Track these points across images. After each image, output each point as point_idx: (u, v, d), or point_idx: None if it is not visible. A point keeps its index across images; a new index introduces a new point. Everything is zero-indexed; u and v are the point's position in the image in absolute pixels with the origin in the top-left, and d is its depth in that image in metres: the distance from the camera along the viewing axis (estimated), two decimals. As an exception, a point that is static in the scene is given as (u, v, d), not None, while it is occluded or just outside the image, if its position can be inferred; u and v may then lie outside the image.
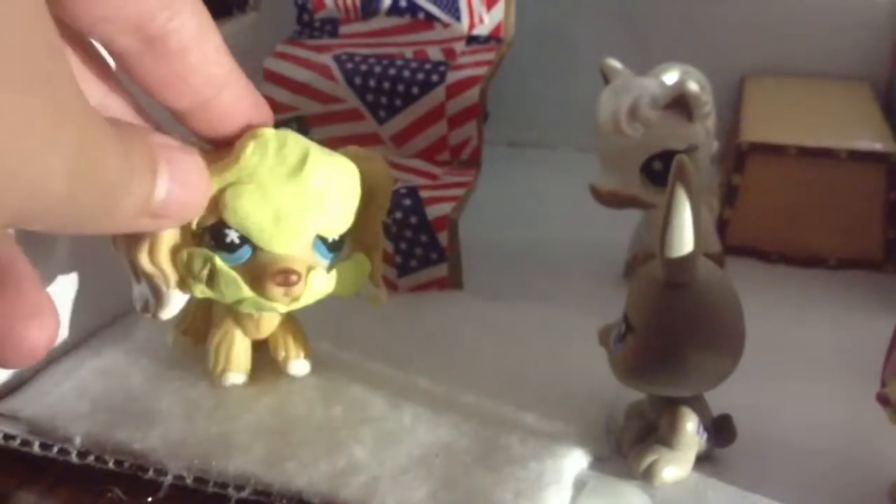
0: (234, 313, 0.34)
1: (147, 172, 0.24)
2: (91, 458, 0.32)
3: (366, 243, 0.33)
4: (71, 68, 0.19)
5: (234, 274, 0.30)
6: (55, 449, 0.33)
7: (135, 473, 0.32)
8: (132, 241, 0.30)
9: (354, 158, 0.31)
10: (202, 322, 0.36)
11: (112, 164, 0.21)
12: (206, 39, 0.26)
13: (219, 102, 0.27)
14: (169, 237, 0.29)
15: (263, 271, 0.30)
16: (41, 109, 0.18)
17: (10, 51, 0.17)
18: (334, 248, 0.31)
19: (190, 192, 0.26)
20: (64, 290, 0.38)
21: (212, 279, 0.30)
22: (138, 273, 0.30)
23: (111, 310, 0.41)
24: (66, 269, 0.37)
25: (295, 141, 0.29)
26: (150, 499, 0.31)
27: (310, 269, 0.30)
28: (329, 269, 0.31)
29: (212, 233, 0.30)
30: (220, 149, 0.29)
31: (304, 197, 0.29)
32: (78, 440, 0.33)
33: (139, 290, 0.31)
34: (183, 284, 0.30)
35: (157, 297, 0.30)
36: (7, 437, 0.33)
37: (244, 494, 0.31)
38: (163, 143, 0.25)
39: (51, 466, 0.33)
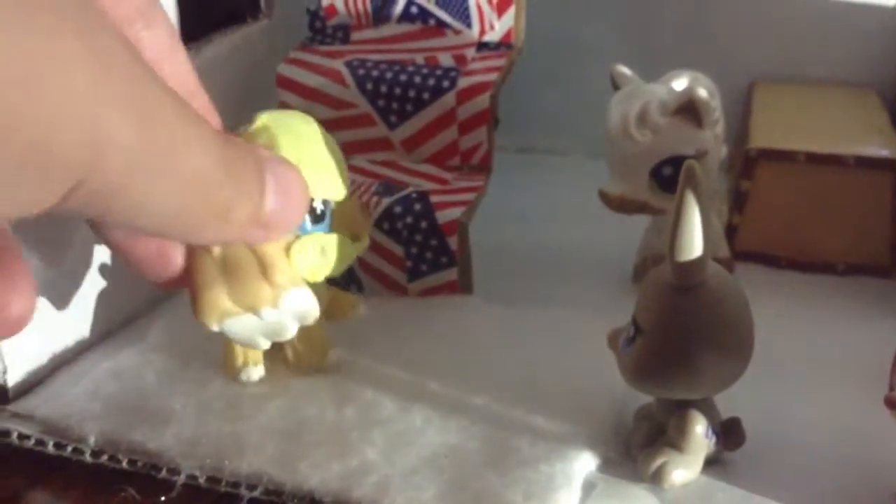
0: None
1: (255, 181, 0.25)
2: (105, 458, 0.33)
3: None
4: (130, 47, 0.20)
5: (335, 235, 0.33)
6: (69, 448, 0.33)
7: (148, 473, 0.32)
8: (253, 284, 0.30)
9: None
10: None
11: (210, 152, 0.22)
12: (177, 53, 0.27)
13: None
14: (280, 247, 0.30)
15: (351, 213, 0.34)
16: (92, 74, 0.18)
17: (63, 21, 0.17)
18: None
19: (295, 202, 0.26)
20: (78, 292, 0.38)
21: (324, 252, 0.32)
22: (273, 300, 0.30)
23: (125, 312, 0.41)
24: (81, 273, 0.38)
25: (279, 112, 0.33)
26: (163, 498, 0.32)
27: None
28: None
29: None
30: None
31: (329, 144, 0.33)
32: (92, 440, 0.33)
33: (265, 325, 0.31)
34: (308, 276, 0.31)
35: (302, 304, 0.31)
36: (22, 436, 0.34)
37: (256, 494, 0.31)
38: (266, 156, 0.26)
39: (64, 466, 0.33)
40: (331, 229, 0.33)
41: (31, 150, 0.17)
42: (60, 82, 0.17)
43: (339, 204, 0.33)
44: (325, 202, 0.33)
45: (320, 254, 0.32)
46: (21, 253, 0.22)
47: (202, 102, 0.29)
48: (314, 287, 0.34)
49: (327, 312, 0.36)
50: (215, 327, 0.31)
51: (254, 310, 0.30)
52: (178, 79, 0.27)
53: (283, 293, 0.30)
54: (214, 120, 0.30)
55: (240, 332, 0.31)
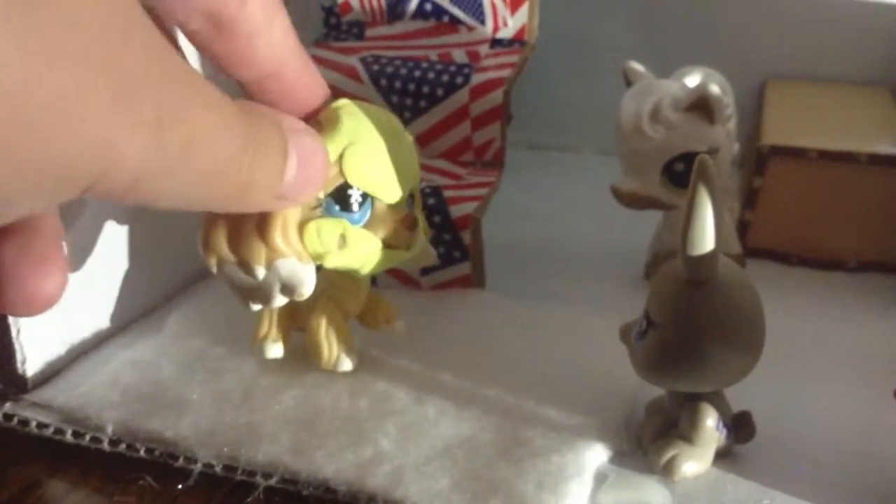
0: (334, 295, 0.35)
1: (278, 155, 0.25)
2: (122, 447, 0.33)
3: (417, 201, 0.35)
4: (159, 48, 0.20)
5: (366, 232, 0.31)
6: (87, 437, 0.34)
7: (165, 461, 0.33)
8: (253, 237, 0.30)
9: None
10: (282, 323, 0.36)
11: (228, 141, 0.22)
12: (273, 24, 0.27)
13: (280, 78, 0.28)
14: (295, 214, 0.30)
15: (389, 220, 0.32)
16: (105, 87, 0.18)
17: (81, 29, 0.17)
18: (412, 201, 0.34)
19: (313, 174, 0.27)
20: (96, 284, 0.38)
21: (343, 243, 0.31)
22: (268, 262, 0.30)
23: (142, 304, 0.41)
24: (99, 265, 0.38)
25: (368, 105, 0.32)
26: (179, 486, 0.32)
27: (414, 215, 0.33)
28: None
29: (336, 197, 0.31)
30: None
31: (404, 149, 0.32)
32: (110, 428, 0.33)
33: (258, 285, 0.31)
34: (316, 257, 0.31)
35: (297, 276, 0.30)
36: (41, 425, 0.34)
37: (272, 482, 0.31)
38: (291, 126, 0.26)
39: (82, 454, 0.34)
40: (366, 225, 0.32)
41: (47, 164, 0.18)
42: (77, 110, 0.18)
43: (385, 207, 0.32)
44: (365, 196, 0.31)
45: (338, 241, 0.31)
46: (62, 236, 0.23)
47: (298, 67, 0.29)
48: (352, 282, 0.34)
49: (361, 316, 0.37)
50: (213, 268, 0.31)
51: (245, 264, 0.30)
52: (269, 50, 0.27)
53: (278, 258, 0.30)
54: (322, 86, 0.30)
55: (232, 281, 0.31)
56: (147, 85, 0.19)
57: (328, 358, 0.35)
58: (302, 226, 0.30)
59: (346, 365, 0.36)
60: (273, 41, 0.27)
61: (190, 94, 0.21)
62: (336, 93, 0.45)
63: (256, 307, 0.32)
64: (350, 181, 0.30)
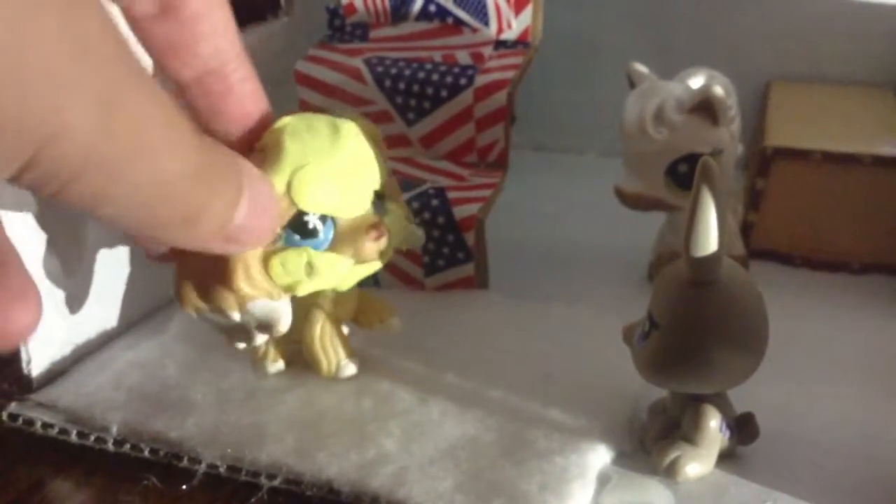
0: (322, 304, 0.35)
1: (231, 193, 0.25)
2: (127, 447, 0.33)
3: (388, 193, 0.34)
4: (114, 33, 0.20)
5: (331, 255, 0.31)
6: (92, 437, 0.34)
7: (169, 462, 0.33)
8: (218, 286, 0.30)
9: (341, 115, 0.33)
10: (279, 343, 0.36)
11: (183, 156, 0.22)
12: (216, 12, 0.27)
13: (223, 77, 0.28)
14: (255, 253, 0.30)
15: (354, 236, 0.31)
16: (59, 52, 0.18)
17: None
18: (380, 200, 0.32)
19: (263, 225, 0.27)
20: (100, 285, 0.39)
21: (311, 271, 0.30)
22: (240, 306, 0.30)
23: (146, 305, 0.42)
24: (102, 266, 0.38)
25: (311, 117, 0.31)
26: (184, 486, 0.32)
27: (379, 220, 0.31)
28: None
29: (294, 227, 0.30)
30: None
31: (355, 157, 0.31)
32: (114, 429, 0.34)
33: (237, 326, 0.31)
34: (287, 289, 0.31)
35: (271, 314, 0.30)
36: (45, 425, 0.34)
37: (276, 483, 0.31)
38: (247, 168, 0.26)
39: (87, 455, 0.34)
40: (331, 246, 0.31)
41: None
42: (26, 53, 0.17)
43: (349, 222, 0.31)
44: (325, 218, 0.30)
45: (305, 269, 0.30)
46: (21, 262, 0.22)
47: (241, 70, 0.29)
48: (339, 292, 0.34)
49: (355, 317, 0.37)
50: (193, 315, 0.31)
51: (220, 311, 0.30)
52: (211, 39, 0.27)
53: (248, 301, 0.30)
54: (262, 100, 0.30)
55: (214, 325, 0.31)
56: (102, 56, 0.19)
57: (328, 368, 0.35)
58: (265, 262, 0.30)
59: (348, 370, 0.36)
60: (216, 30, 0.27)
61: (146, 89, 0.21)
62: (340, 94, 0.45)
63: (242, 346, 0.32)
64: (304, 208, 0.30)
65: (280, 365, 0.36)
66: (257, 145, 0.30)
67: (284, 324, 0.31)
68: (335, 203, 0.30)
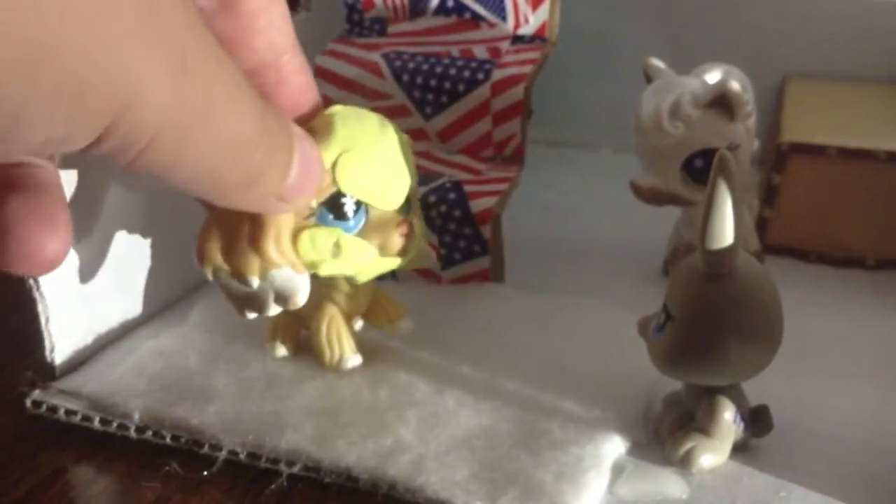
0: (334, 296, 0.35)
1: (286, 154, 0.25)
2: (149, 434, 0.34)
3: (413, 204, 0.34)
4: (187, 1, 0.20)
5: (359, 240, 0.31)
6: (114, 424, 0.34)
7: (190, 448, 0.33)
8: (246, 248, 0.30)
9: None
10: (289, 327, 0.37)
11: (247, 118, 0.22)
12: (273, 8, 0.28)
13: (277, 69, 0.29)
14: (288, 223, 0.30)
15: (385, 227, 0.32)
16: (137, 14, 0.18)
17: None
18: (408, 206, 0.33)
19: (311, 180, 0.27)
20: (123, 275, 0.39)
21: (338, 251, 0.31)
22: (262, 272, 0.30)
23: (167, 294, 0.42)
24: (124, 256, 0.39)
25: (360, 110, 0.32)
26: (205, 473, 0.33)
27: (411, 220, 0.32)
28: None
29: (329, 205, 0.31)
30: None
31: (398, 153, 0.32)
32: (136, 416, 0.34)
33: (252, 294, 0.31)
34: (310, 266, 0.31)
35: (291, 285, 0.31)
36: (68, 412, 0.35)
37: (295, 470, 0.32)
38: (295, 130, 0.26)
39: (109, 441, 0.34)
40: (361, 233, 0.32)
41: (66, 80, 0.17)
42: (103, 18, 0.17)
43: (380, 215, 0.32)
44: (359, 204, 0.31)
45: (332, 249, 0.31)
46: (64, 196, 0.23)
47: (294, 62, 0.29)
48: (351, 285, 0.35)
49: (366, 316, 0.37)
50: (208, 276, 0.31)
51: (240, 274, 0.30)
52: (267, 34, 0.28)
53: (272, 268, 0.30)
54: (313, 89, 0.31)
55: (228, 290, 0.31)
56: (174, 22, 0.19)
57: (330, 359, 0.36)
58: (295, 235, 0.30)
59: (351, 363, 0.36)
60: (273, 24, 0.28)
61: (214, 54, 0.21)
62: (358, 88, 0.46)
63: (252, 316, 0.32)
64: (343, 189, 0.30)
65: (283, 351, 0.37)
66: (308, 126, 0.30)
67: (301, 298, 0.31)
68: (373, 191, 0.31)
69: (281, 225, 0.30)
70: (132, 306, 0.40)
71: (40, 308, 0.35)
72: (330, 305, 0.36)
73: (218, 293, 0.42)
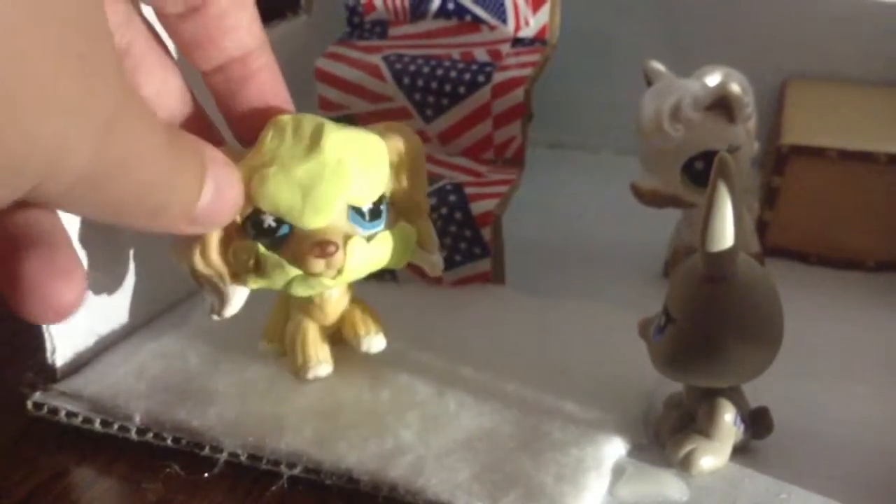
0: (302, 305, 0.35)
1: (195, 182, 0.26)
2: (150, 435, 0.34)
3: (409, 212, 0.34)
4: (115, 54, 0.20)
5: (276, 257, 0.30)
6: (115, 426, 0.34)
7: (191, 450, 0.33)
8: (186, 249, 0.31)
9: (380, 129, 0.33)
10: (273, 327, 0.37)
11: (155, 163, 0.23)
12: (240, 10, 0.29)
13: (244, 64, 0.30)
14: (215, 236, 0.31)
15: (300, 247, 0.30)
16: (69, 79, 0.18)
17: (48, 18, 0.17)
18: (373, 218, 0.32)
19: (226, 205, 0.28)
20: (123, 278, 0.39)
21: (259, 267, 0.31)
22: (197, 277, 0.32)
23: (168, 297, 0.42)
24: (126, 259, 0.39)
25: (310, 119, 0.31)
26: (205, 474, 0.33)
27: (347, 238, 0.30)
28: (371, 239, 0.31)
29: (251, 222, 0.31)
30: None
31: (325, 168, 0.30)
32: (137, 418, 0.34)
33: (204, 295, 0.33)
34: (237, 278, 0.31)
35: (218, 296, 0.32)
36: (70, 414, 0.35)
37: (296, 472, 0.32)
38: (211, 156, 0.27)
39: (110, 443, 0.34)
40: (282, 251, 0.31)
41: (7, 154, 0.18)
42: (28, 77, 0.17)
43: (303, 233, 0.31)
44: (281, 221, 0.30)
45: (251, 265, 0.31)
46: (70, 242, 0.23)
47: (261, 59, 0.30)
48: (325, 299, 0.35)
49: (341, 329, 0.36)
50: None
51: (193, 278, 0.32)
52: (235, 34, 0.29)
53: (201, 278, 0.32)
54: (282, 90, 0.31)
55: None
56: (105, 84, 0.19)
57: (293, 367, 0.35)
58: (225, 247, 0.31)
59: (314, 373, 0.35)
60: (241, 24, 0.29)
61: (138, 111, 0.22)
62: (359, 91, 0.46)
63: (215, 318, 0.33)
64: (257, 205, 0.30)
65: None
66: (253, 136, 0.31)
67: (228, 311, 0.32)
68: (289, 209, 0.30)
69: (207, 239, 0.31)
70: (134, 309, 0.40)
71: (41, 310, 0.35)
72: (297, 313, 0.35)
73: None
